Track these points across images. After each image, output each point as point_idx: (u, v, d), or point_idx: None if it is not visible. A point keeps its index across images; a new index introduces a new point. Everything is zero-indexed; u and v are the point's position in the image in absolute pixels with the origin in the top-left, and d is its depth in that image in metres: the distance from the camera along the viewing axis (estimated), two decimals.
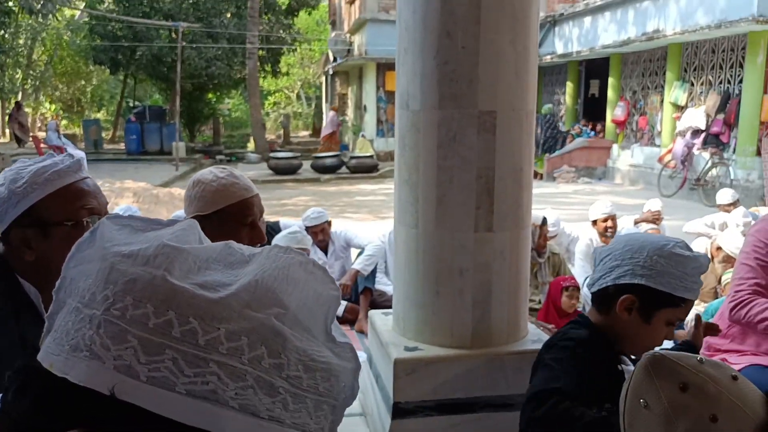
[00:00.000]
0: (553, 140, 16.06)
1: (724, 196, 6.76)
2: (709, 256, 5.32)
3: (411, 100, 2.44)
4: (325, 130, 20.24)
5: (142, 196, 10.10)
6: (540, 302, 4.84)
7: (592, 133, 16.44)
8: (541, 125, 15.97)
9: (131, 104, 29.76)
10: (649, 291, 1.57)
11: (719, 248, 5.17)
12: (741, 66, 11.80)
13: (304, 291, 0.52)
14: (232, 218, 1.69)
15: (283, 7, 25.76)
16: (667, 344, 2.37)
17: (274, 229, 5.17)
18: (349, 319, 5.18)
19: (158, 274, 0.47)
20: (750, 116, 11.49)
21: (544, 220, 5.04)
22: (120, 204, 8.32)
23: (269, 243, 4.06)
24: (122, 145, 23.37)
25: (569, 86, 17.51)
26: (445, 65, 2.32)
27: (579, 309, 4.41)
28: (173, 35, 21.60)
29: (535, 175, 15.65)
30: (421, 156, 2.42)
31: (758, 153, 11.57)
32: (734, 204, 6.53)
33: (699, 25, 11.99)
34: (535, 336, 2.59)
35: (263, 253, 0.54)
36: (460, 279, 2.40)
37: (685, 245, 1.64)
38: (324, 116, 30.72)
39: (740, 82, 11.80)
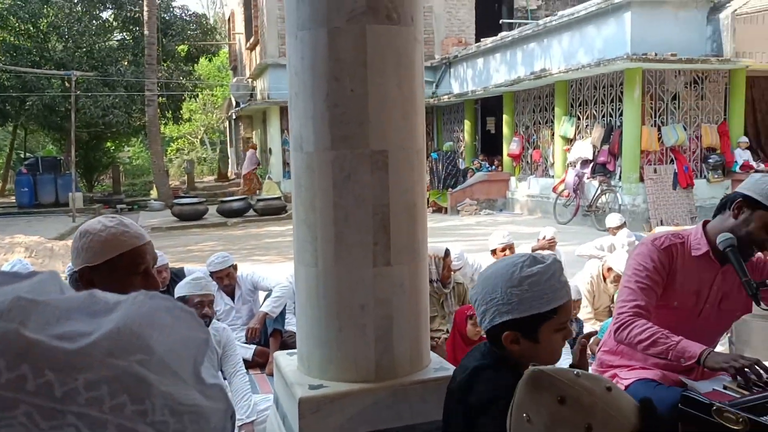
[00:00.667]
0: (454, 176, 16.62)
1: (612, 219, 7.22)
2: (602, 276, 5.66)
3: (304, 143, 2.51)
4: (246, 169, 20.08)
5: (35, 251, 9.58)
6: (448, 331, 4.96)
7: (491, 167, 17.16)
8: (443, 162, 16.52)
9: (22, 155, 28.25)
10: (520, 320, 1.62)
11: (610, 269, 5.50)
12: (620, 100, 12.74)
13: (171, 335, 0.53)
14: (123, 267, 1.67)
15: (182, 54, 25.48)
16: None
17: (178, 275, 5.05)
18: (259, 363, 5.10)
19: (11, 328, 0.47)
20: (632, 146, 12.39)
21: (447, 251, 5.19)
22: (10, 259, 7.84)
23: (173, 289, 3.93)
24: (13, 199, 22.08)
25: (467, 124, 18.24)
26: (336, 108, 2.42)
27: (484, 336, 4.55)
28: (66, 84, 20.82)
29: (440, 209, 16.11)
30: (317, 196, 2.49)
31: (641, 179, 12.46)
32: (621, 226, 6.99)
33: (581, 64, 12.89)
34: (438, 364, 2.67)
35: (128, 300, 0.54)
36: (361, 314, 2.46)
37: (532, 259, 1.66)
38: (230, 161, 30.33)
39: (621, 114, 12.73)
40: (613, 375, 2.62)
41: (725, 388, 2.14)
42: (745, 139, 13.19)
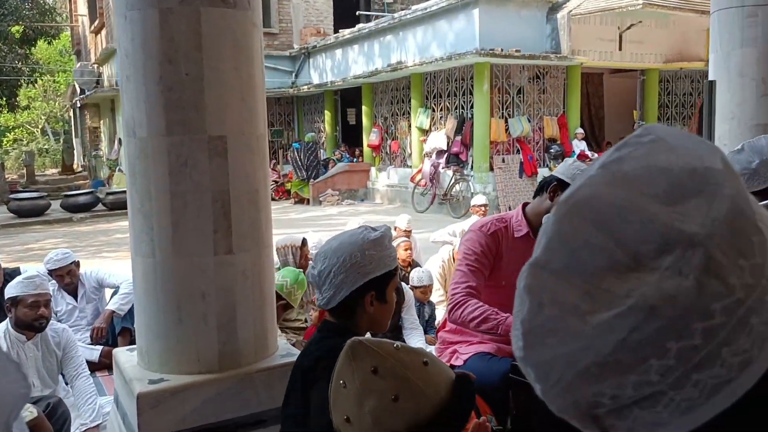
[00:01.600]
0: (315, 167, 16.62)
1: (478, 199, 7.58)
2: (452, 260, 5.93)
3: (137, 128, 2.40)
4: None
5: None
6: (306, 321, 4.97)
7: (353, 158, 17.37)
8: (304, 152, 16.46)
9: None
10: (377, 280, 1.74)
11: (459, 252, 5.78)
12: (471, 93, 13.37)
13: None
14: None
15: (17, 36, 23.31)
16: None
17: (11, 275, 4.65)
18: (106, 364, 4.82)
19: None
20: (482, 137, 13.06)
21: (304, 241, 5.20)
22: None
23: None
24: None
25: (327, 114, 18.30)
26: (170, 92, 2.33)
27: None
28: None
29: (302, 200, 16.06)
30: (152, 183, 2.39)
31: (491, 168, 13.19)
32: (486, 206, 7.37)
33: (434, 57, 13.37)
34: (285, 350, 2.68)
35: None
36: (202, 303, 2.41)
37: (368, 228, 1.83)
38: (75, 152, 28.23)
39: (472, 107, 13.37)
40: (453, 351, 2.75)
41: None
42: (581, 130, 14.36)
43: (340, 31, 17.20)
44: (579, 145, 14.12)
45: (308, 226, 11.26)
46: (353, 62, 16.42)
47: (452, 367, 2.59)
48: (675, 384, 0.42)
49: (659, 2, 12.62)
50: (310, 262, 5.37)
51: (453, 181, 13.38)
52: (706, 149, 0.46)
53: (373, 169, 16.60)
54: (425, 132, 14.56)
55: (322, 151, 18.17)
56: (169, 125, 2.35)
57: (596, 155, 14.56)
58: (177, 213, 2.38)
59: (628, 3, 12.50)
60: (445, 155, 13.76)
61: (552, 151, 13.95)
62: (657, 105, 15.64)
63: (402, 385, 1.12)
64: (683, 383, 0.42)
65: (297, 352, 2.64)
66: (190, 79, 2.33)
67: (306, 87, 18.01)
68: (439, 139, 13.85)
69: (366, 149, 16.80)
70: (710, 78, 3.75)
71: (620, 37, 13.99)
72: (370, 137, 16.44)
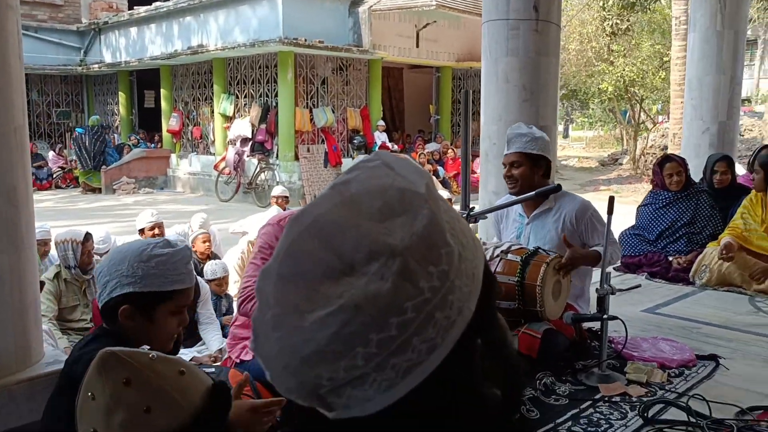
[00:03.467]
0: (102, 153, 15.35)
1: (278, 190, 7.52)
2: (250, 251, 5.89)
3: None
4: None
5: None
6: (91, 321, 4.64)
7: (151, 144, 16.42)
8: (90, 138, 15.16)
9: None
10: (139, 295, 1.64)
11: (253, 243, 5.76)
12: (276, 81, 13.30)
13: None
14: None
15: None
16: None
17: None
18: None
19: None
20: (287, 126, 13.07)
21: (87, 235, 4.83)
22: None
23: None
24: None
25: (122, 96, 17.10)
26: None
27: None
28: None
29: (93, 189, 14.86)
30: None
31: (296, 158, 13.26)
32: (284, 197, 7.30)
33: (237, 43, 13.07)
34: (52, 358, 2.49)
35: None
36: None
37: (166, 242, 1.73)
38: None
39: (276, 95, 13.30)
40: (243, 346, 2.75)
41: None
42: (382, 122, 14.96)
43: (135, 7, 16.10)
44: (381, 137, 14.71)
45: (97, 218, 10.48)
46: (150, 42, 15.48)
47: (242, 362, 2.59)
48: (377, 367, 0.51)
49: (451, 4, 13.52)
50: (96, 257, 5.01)
51: (258, 170, 13.25)
52: (417, 175, 0.56)
53: (173, 156, 15.84)
54: (229, 119, 14.21)
55: (116, 135, 16.95)
56: None
57: (397, 146, 15.30)
58: None
59: (423, 3, 13.24)
60: (250, 143, 13.57)
61: (355, 141, 14.38)
62: (450, 100, 16.77)
63: (155, 397, 1.11)
64: (383, 366, 0.51)
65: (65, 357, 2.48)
66: None
67: (97, 66, 16.66)
68: (243, 127, 13.61)
69: (165, 135, 15.98)
70: (483, 81, 4.13)
71: (417, 34, 14.77)
72: (169, 122, 15.66)
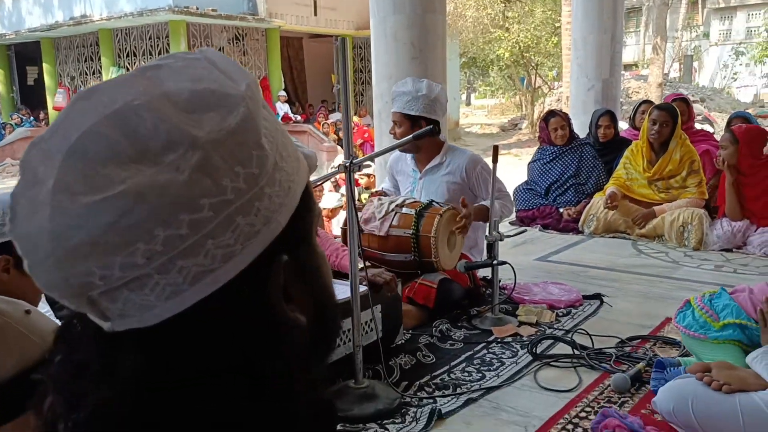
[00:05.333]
0: None
1: None
2: None
3: None
4: None
5: None
6: None
7: (36, 121, 15.39)
8: None
9: None
10: (9, 244, 1.57)
11: None
12: (168, 52, 12.72)
13: None
14: None
15: None
16: None
17: None
18: None
19: None
20: None
21: None
22: None
23: None
24: None
25: (0, 73, 15.87)
26: None
27: None
28: None
29: None
30: None
31: None
32: None
33: (124, 12, 12.39)
34: None
35: None
36: None
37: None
38: None
39: None
40: None
41: None
42: (284, 93, 14.70)
43: None
44: (282, 108, 14.46)
45: None
46: (27, 13, 14.41)
47: None
48: (161, 268, 0.44)
49: None
50: None
51: None
52: (240, 74, 0.51)
53: None
54: None
55: None
56: None
57: (300, 117, 15.10)
58: None
59: None
60: None
61: None
62: (353, 69, 16.67)
63: (1, 335, 1.06)
64: (169, 268, 0.44)
65: None
66: None
67: None
68: None
69: (52, 112, 15.01)
70: (372, 40, 4.11)
71: (315, 2, 14.53)
72: (55, 99, 14.71)
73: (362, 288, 2.18)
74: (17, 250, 0.46)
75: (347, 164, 1.93)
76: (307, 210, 0.54)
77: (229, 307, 0.47)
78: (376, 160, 5.48)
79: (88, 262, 0.44)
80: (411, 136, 2.10)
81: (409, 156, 3.28)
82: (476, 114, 30.77)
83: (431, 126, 2.10)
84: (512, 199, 4.33)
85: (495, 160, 2.67)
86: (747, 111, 8.61)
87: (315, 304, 0.55)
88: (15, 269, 1.62)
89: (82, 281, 0.44)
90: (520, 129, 20.67)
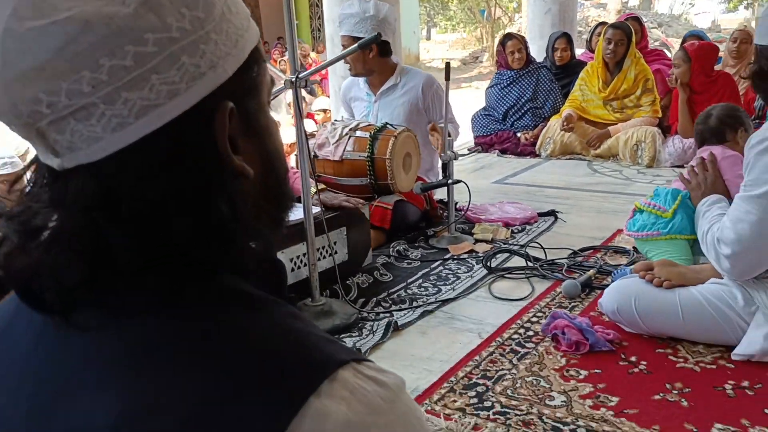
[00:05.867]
0: None
1: None
2: None
3: None
4: None
5: None
6: None
7: None
8: None
9: None
10: None
11: None
12: None
13: None
14: None
15: None
16: None
17: None
18: None
19: None
20: None
21: None
22: None
23: None
24: None
25: None
26: None
27: None
28: None
29: None
30: None
31: None
32: None
33: None
34: None
35: None
36: None
37: None
38: None
39: None
40: None
41: None
42: None
43: None
44: None
45: None
46: None
47: None
48: (106, 98, 0.46)
49: None
50: None
51: None
52: None
53: None
54: None
55: None
56: None
57: None
58: None
59: None
60: None
61: None
62: (308, 4, 16.19)
63: None
64: (114, 99, 0.46)
65: None
66: None
67: None
68: None
69: None
70: None
71: None
72: None
73: (316, 210, 2.18)
74: None
75: (293, 79, 1.89)
76: (256, 64, 0.56)
77: (176, 146, 0.49)
78: (331, 93, 5.40)
79: (35, 87, 0.45)
80: (356, 45, 2.06)
81: (362, 80, 3.23)
82: (437, 49, 30.36)
83: (377, 34, 2.05)
84: (470, 126, 4.31)
85: (447, 78, 2.64)
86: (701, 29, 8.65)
87: (263, 162, 0.56)
88: None
89: (31, 109, 0.46)
90: (482, 62, 20.50)
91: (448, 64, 2.63)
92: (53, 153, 0.48)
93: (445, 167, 2.75)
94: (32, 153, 0.54)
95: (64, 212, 0.49)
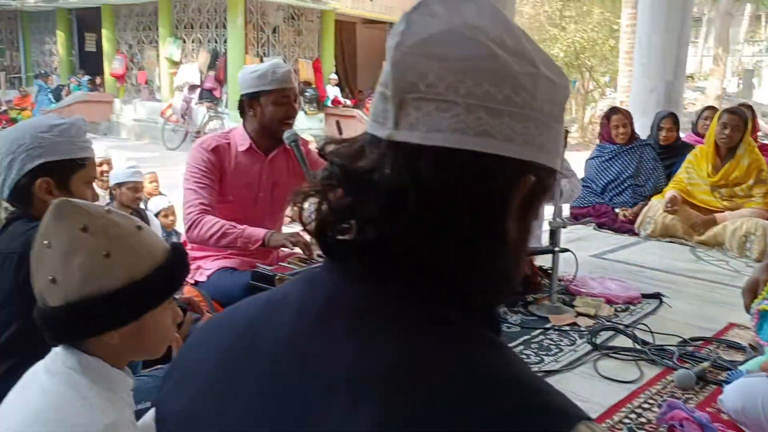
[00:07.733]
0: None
1: None
2: None
3: None
4: None
5: None
6: None
7: (92, 87, 15.73)
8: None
9: None
10: (53, 165, 1.61)
11: None
12: (225, 26, 12.86)
13: None
14: None
15: None
16: None
17: None
18: None
19: None
20: (236, 74, 12.64)
21: None
22: None
23: None
24: None
25: (60, 36, 16.25)
26: None
27: None
28: None
29: None
30: None
31: None
32: None
33: None
34: None
35: None
36: None
37: (58, 116, 1.74)
38: None
39: (225, 42, 12.88)
40: (197, 267, 2.66)
41: (288, 262, 2.40)
42: (335, 76, 14.73)
43: None
44: (333, 91, 14.50)
45: None
46: None
47: (196, 283, 2.53)
48: (467, 107, 0.53)
49: None
50: None
51: (207, 118, 12.87)
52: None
53: (116, 101, 15.22)
54: (176, 64, 13.70)
55: (55, 77, 16.15)
56: None
57: (350, 102, 15.12)
58: None
59: None
60: (198, 90, 13.15)
61: (307, 94, 14.11)
62: None
63: (114, 243, 1.07)
64: (472, 111, 0.53)
65: None
66: None
67: (32, 1, 15.72)
68: (191, 73, 13.17)
69: (108, 78, 15.31)
70: None
71: None
72: (113, 65, 15.00)
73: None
74: None
75: None
76: (552, 180, 0.61)
77: (485, 173, 0.53)
78: None
79: (430, 67, 0.53)
80: None
81: None
82: None
83: None
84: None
85: (564, 145, 2.62)
86: None
87: (518, 237, 0.59)
88: (57, 190, 1.62)
89: (412, 81, 0.53)
90: (570, 133, 20.35)
91: (566, 132, 2.61)
92: (394, 124, 0.53)
93: (553, 234, 2.71)
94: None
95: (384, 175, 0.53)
